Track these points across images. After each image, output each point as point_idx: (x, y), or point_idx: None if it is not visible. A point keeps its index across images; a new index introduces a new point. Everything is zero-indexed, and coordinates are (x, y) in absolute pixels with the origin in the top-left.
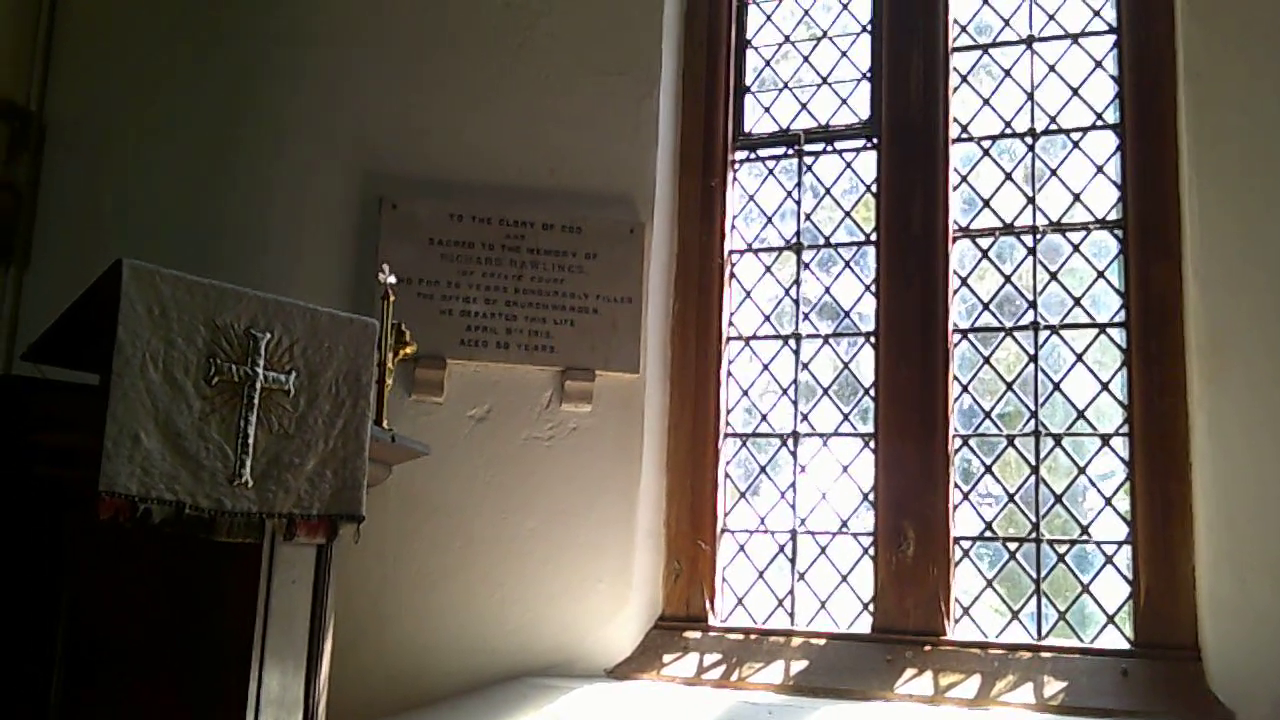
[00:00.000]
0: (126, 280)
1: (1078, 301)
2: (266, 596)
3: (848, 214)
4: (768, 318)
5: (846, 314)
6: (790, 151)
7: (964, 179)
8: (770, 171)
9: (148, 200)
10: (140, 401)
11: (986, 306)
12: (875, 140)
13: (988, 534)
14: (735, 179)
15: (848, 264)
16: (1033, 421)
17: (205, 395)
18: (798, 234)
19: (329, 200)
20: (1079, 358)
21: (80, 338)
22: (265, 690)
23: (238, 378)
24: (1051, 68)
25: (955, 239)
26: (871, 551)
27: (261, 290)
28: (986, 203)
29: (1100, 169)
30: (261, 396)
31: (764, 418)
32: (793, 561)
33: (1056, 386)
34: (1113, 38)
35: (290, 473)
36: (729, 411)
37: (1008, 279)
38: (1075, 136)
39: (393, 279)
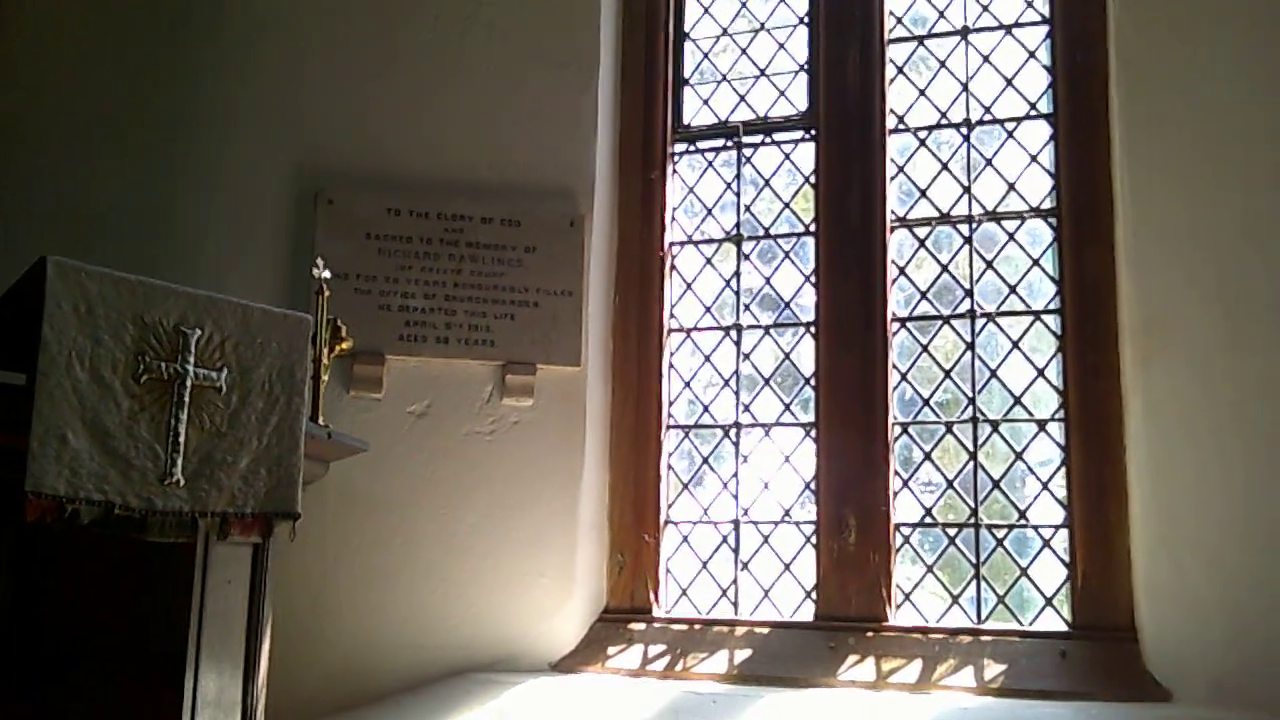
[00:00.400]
0: (51, 277)
1: (1013, 289)
2: (201, 597)
3: (787, 205)
4: (708, 309)
5: (787, 305)
6: (729, 143)
7: (901, 169)
8: (710, 164)
9: (83, 196)
10: (67, 401)
11: (924, 295)
12: (813, 132)
13: (928, 520)
14: (675, 171)
15: (787, 255)
16: (971, 408)
17: (134, 394)
18: (737, 226)
19: (265, 195)
20: (1015, 345)
21: (4, 337)
22: (201, 692)
23: (167, 375)
24: (986, 58)
25: (893, 229)
26: (814, 540)
27: (197, 287)
28: (923, 193)
29: (1034, 158)
30: (192, 394)
31: (706, 409)
32: (736, 551)
33: (993, 374)
34: (1046, 28)
35: (223, 471)
36: (671, 403)
37: (945, 268)
38: (1010, 126)
39: (327, 274)
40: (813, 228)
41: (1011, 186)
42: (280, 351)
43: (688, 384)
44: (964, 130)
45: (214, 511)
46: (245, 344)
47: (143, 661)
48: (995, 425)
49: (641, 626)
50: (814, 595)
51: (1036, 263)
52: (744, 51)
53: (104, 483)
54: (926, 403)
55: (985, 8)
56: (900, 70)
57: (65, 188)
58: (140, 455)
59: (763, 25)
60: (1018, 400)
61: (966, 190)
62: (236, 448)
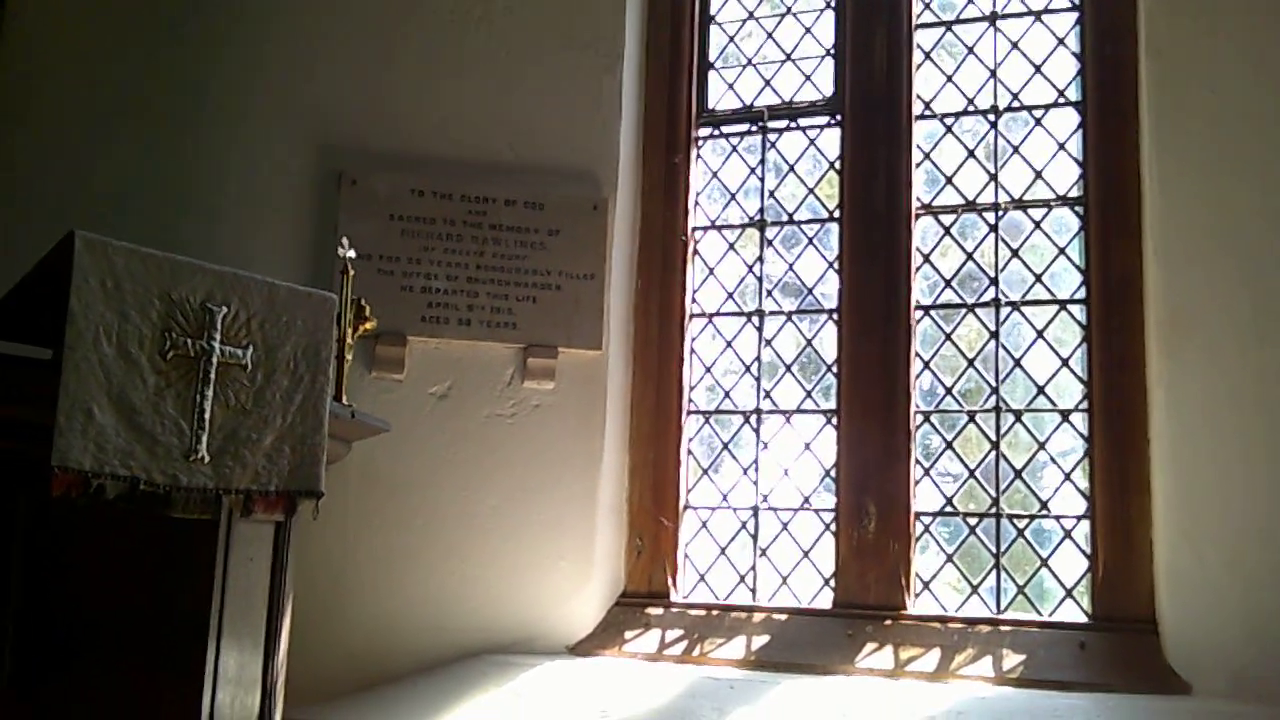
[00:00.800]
0: (79, 252)
1: (1039, 278)
2: (224, 574)
3: (811, 191)
4: (731, 295)
5: (809, 291)
6: (754, 128)
7: (927, 156)
8: (734, 148)
9: (105, 176)
10: (93, 375)
11: (949, 283)
12: (839, 117)
13: (948, 509)
14: (699, 155)
15: (811, 241)
16: (993, 398)
17: (160, 370)
18: (761, 211)
19: (288, 175)
20: (1039, 334)
21: (32, 311)
22: (223, 668)
23: (193, 352)
24: (1014, 45)
25: (918, 216)
26: (833, 527)
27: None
28: (949, 180)
29: (1062, 146)
30: (218, 371)
31: (726, 394)
32: (755, 538)
33: (1017, 363)
34: (1075, 15)
35: (248, 448)
36: (691, 388)
37: (970, 256)
38: (1037, 114)
39: (352, 253)
40: (837, 214)
41: (1039, 175)
42: (305, 330)
43: (709, 369)
44: (991, 117)
45: (238, 489)
46: (271, 322)
47: (164, 638)
48: (1018, 415)
49: (659, 611)
50: (833, 583)
51: (1063, 251)
52: (770, 35)
53: (129, 458)
54: (949, 391)
55: None
56: (927, 56)
57: (86, 168)
58: (166, 431)
59: (789, 9)
60: (1041, 390)
61: (993, 178)
62: (261, 425)
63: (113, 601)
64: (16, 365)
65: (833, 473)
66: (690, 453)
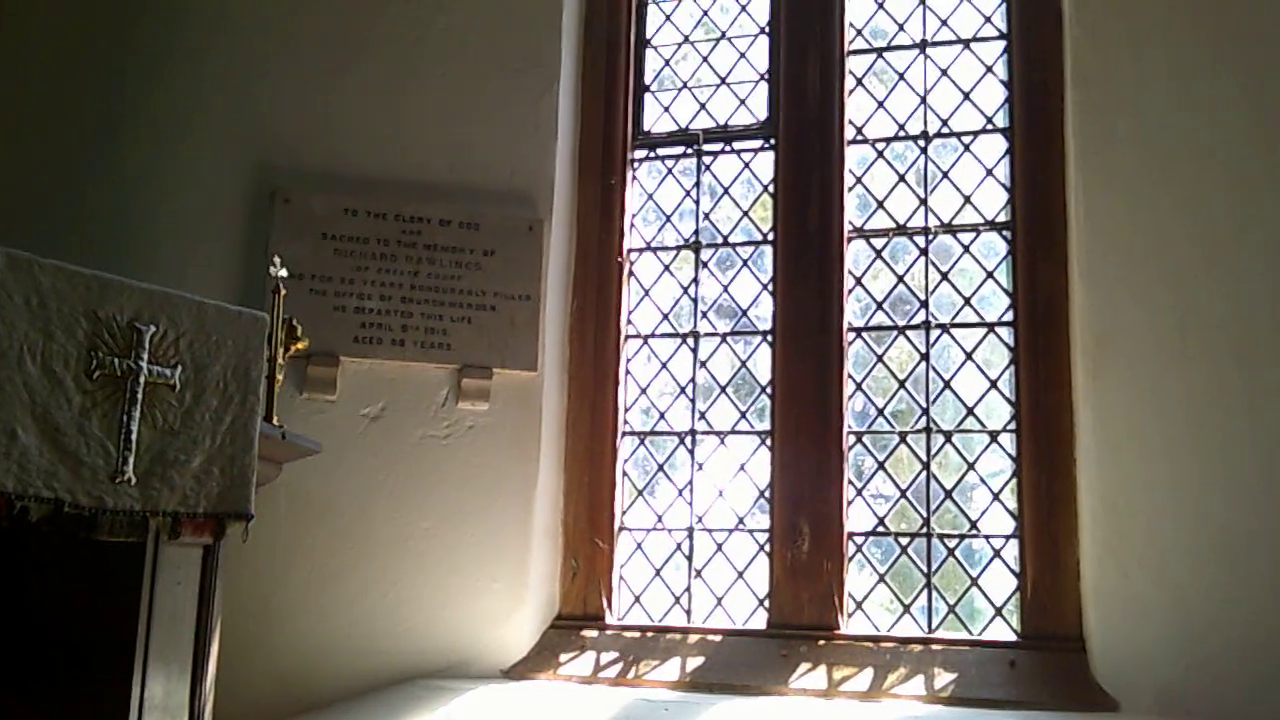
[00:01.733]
0: (3, 269)
1: (968, 301)
2: (150, 598)
3: (746, 214)
4: (666, 316)
5: (744, 313)
6: (689, 151)
7: (859, 180)
8: (669, 171)
9: (39, 192)
10: (17, 396)
11: (880, 306)
12: (773, 141)
13: (880, 529)
14: (634, 178)
15: (745, 263)
16: (924, 419)
17: (86, 389)
18: (696, 233)
19: (221, 193)
20: (969, 356)
21: None
22: (149, 695)
23: (120, 371)
24: (944, 72)
25: (850, 239)
26: (767, 548)
27: (151, 284)
28: (880, 204)
29: (990, 171)
30: (145, 391)
31: (662, 416)
32: (690, 559)
33: (947, 384)
34: (1003, 43)
35: (175, 470)
36: (627, 410)
37: (900, 279)
38: (966, 139)
39: (284, 272)
40: (771, 236)
41: (967, 200)
42: (235, 350)
43: (644, 391)
44: (921, 142)
45: (165, 511)
46: (200, 341)
47: (90, 663)
48: (948, 436)
49: (594, 633)
50: (767, 603)
51: (991, 275)
52: (705, 60)
53: (54, 480)
54: (881, 412)
55: (944, 22)
56: (859, 82)
57: (16, 184)
58: (91, 452)
59: (724, 34)
60: (970, 411)
61: (923, 202)
62: (190, 446)
63: (37, 626)
64: None
65: (767, 493)
66: (625, 474)
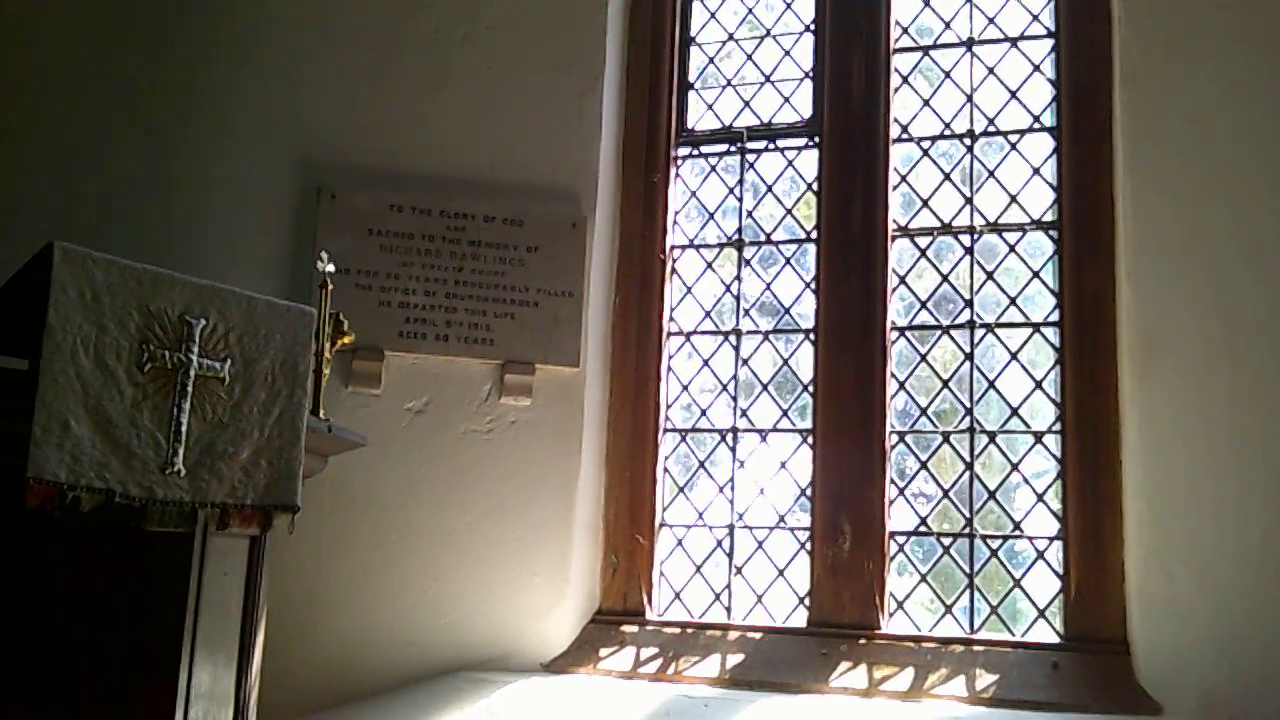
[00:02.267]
0: (58, 263)
1: (1013, 301)
2: (198, 588)
3: (789, 211)
4: (708, 314)
5: (786, 311)
6: (733, 149)
7: (904, 179)
8: (713, 168)
9: (83, 190)
10: (70, 387)
11: (924, 305)
12: (817, 139)
13: (922, 529)
14: (678, 175)
15: (788, 261)
16: (968, 419)
17: (137, 382)
18: (739, 230)
19: (268, 190)
20: (1014, 356)
21: (9, 322)
22: (196, 683)
23: (171, 364)
24: (990, 70)
25: (894, 238)
26: (808, 546)
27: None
28: (925, 203)
29: (1037, 171)
30: (195, 384)
31: (703, 413)
32: (730, 556)
33: (991, 384)
34: (1051, 42)
35: (224, 462)
36: (668, 406)
37: (945, 278)
38: (1013, 138)
39: (331, 267)
40: (814, 234)
41: (1013, 199)
42: (283, 344)
43: (685, 387)
44: (967, 141)
45: (214, 502)
46: (249, 335)
47: (138, 651)
48: (992, 436)
49: (634, 629)
50: (807, 601)
51: (1037, 275)
52: (749, 57)
53: (105, 470)
54: (924, 412)
55: (991, 20)
56: (905, 80)
57: (66, 182)
58: (142, 444)
59: (768, 32)
60: (1015, 412)
61: (968, 201)
62: (238, 439)
63: (88, 614)
64: None
65: (808, 491)
66: (666, 471)
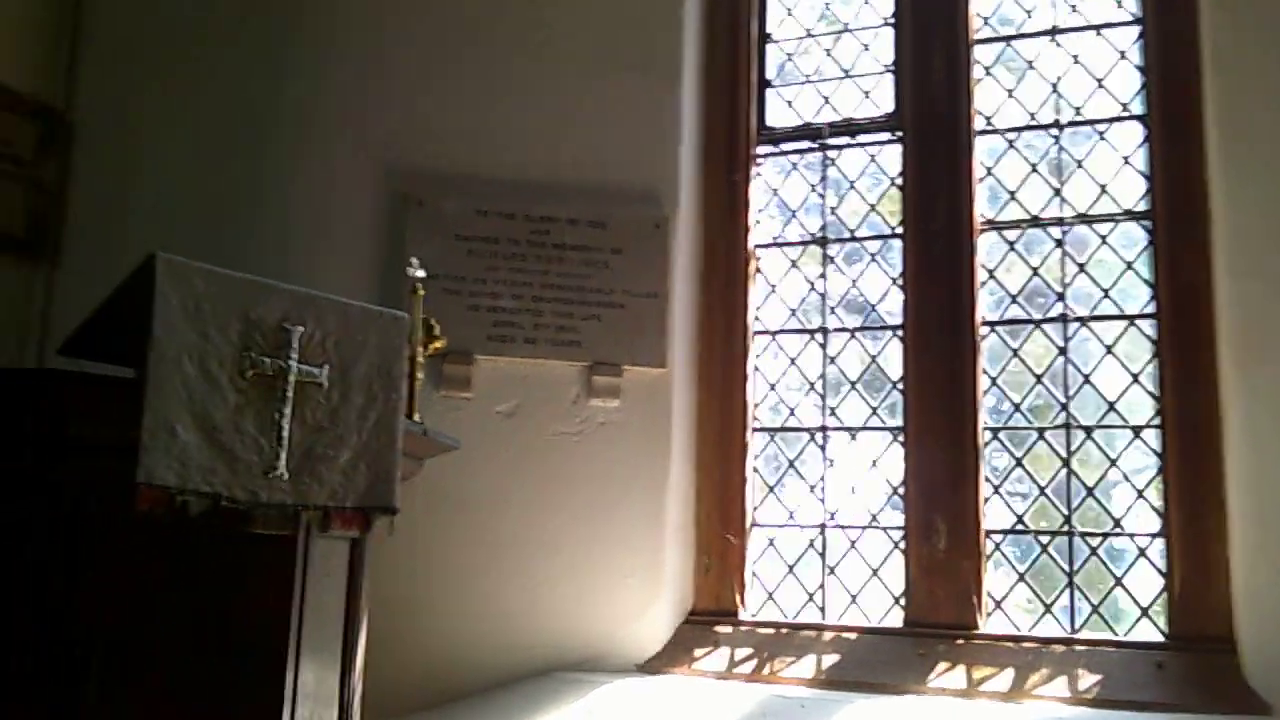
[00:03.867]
0: (160, 275)
1: (1106, 293)
2: (302, 590)
3: (873, 208)
4: (794, 312)
5: (873, 308)
6: (814, 145)
7: (989, 171)
8: (794, 165)
9: (174, 198)
10: (176, 395)
11: (1014, 299)
12: (899, 133)
13: (1019, 527)
14: (759, 173)
15: (874, 258)
16: (1063, 414)
17: (240, 388)
18: (823, 228)
19: (354, 197)
20: (1109, 350)
21: (114, 332)
22: (301, 684)
23: (272, 371)
24: (1075, 59)
25: (982, 231)
26: (902, 545)
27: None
28: (1013, 195)
29: (1127, 160)
30: (295, 389)
31: (791, 412)
32: (823, 555)
33: (1086, 379)
34: (1137, 28)
35: (324, 465)
36: (756, 406)
37: (1035, 271)
38: (1101, 128)
39: (421, 273)
40: (899, 230)
41: (1104, 189)
42: (379, 349)
43: (773, 387)
44: (1054, 132)
45: (316, 505)
46: (346, 341)
47: (244, 653)
48: (1089, 431)
49: (728, 629)
50: (902, 601)
51: (1130, 266)
52: (828, 53)
53: (212, 475)
54: (1018, 408)
55: (1074, 7)
56: (988, 71)
57: (157, 193)
58: (246, 449)
59: (846, 26)
60: (1112, 406)
61: (1057, 192)
62: (337, 443)
63: (191, 619)
64: (99, 385)
65: (900, 490)
66: (756, 470)
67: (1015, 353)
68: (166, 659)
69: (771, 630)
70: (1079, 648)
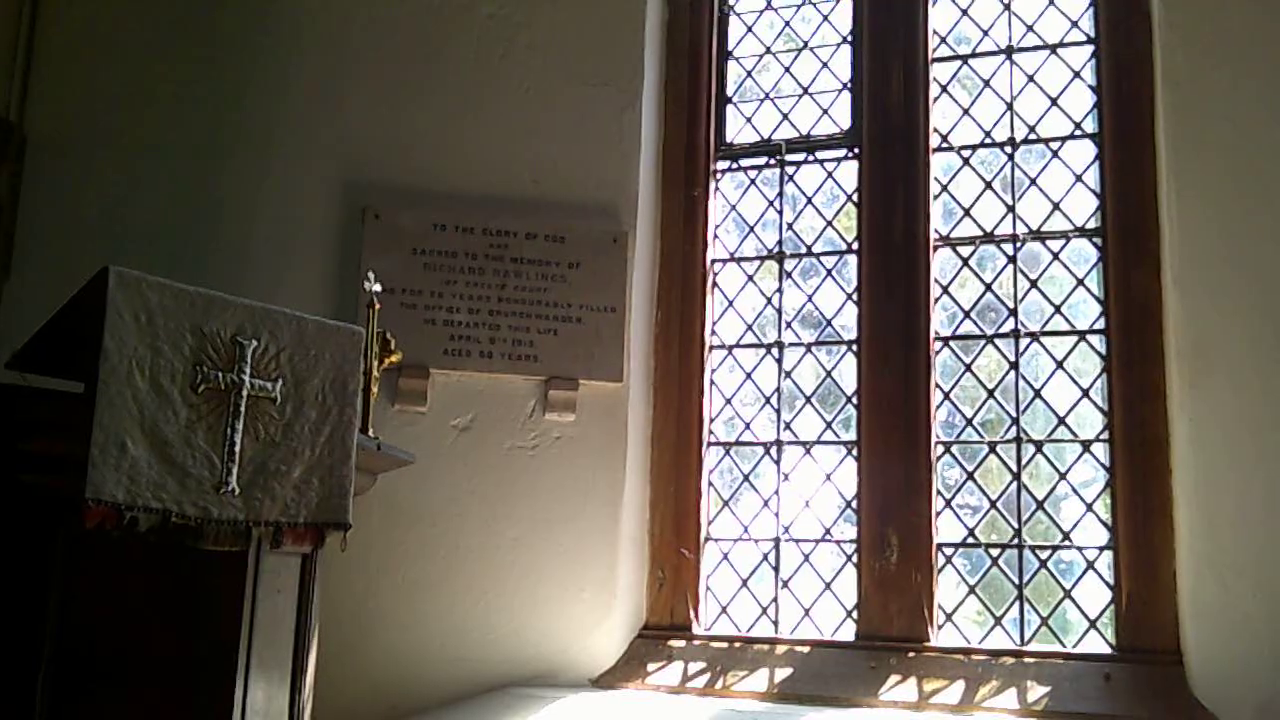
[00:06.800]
0: (113, 287)
1: (1058, 309)
2: (253, 606)
3: (829, 223)
4: (750, 327)
5: (829, 322)
6: (772, 161)
7: (944, 188)
8: (752, 181)
9: (130, 210)
10: (127, 409)
11: (967, 315)
12: (856, 150)
13: (970, 541)
14: (717, 189)
15: (829, 273)
16: (1014, 428)
17: (192, 403)
18: (779, 243)
19: (312, 210)
20: (1059, 365)
21: (65, 345)
22: (251, 700)
23: (224, 385)
24: (1030, 78)
25: (936, 248)
26: (855, 559)
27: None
28: (967, 211)
29: (1079, 178)
30: (248, 404)
31: (747, 426)
32: (776, 569)
33: (1037, 393)
34: (1091, 48)
35: (277, 481)
36: (712, 420)
37: (988, 287)
38: (1054, 145)
39: (378, 287)
40: (855, 246)
41: (1056, 206)
42: (333, 363)
43: (729, 401)
44: (1008, 149)
45: (268, 521)
46: (300, 355)
47: (194, 669)
48: (1039, 446)
49: (681, 643)
50: (855, 614)
51: (1081, 282)
52: (787, 70)
53: (162, 491)
54: (970, 422)
55: (1029, 27)
56: (944, 89)
57: (112, 205)
58: (197, 464)
59: (805, 44)
60: (1062, 420)
61: (1010, 209)
62: (290, 458)
63: (144, 634)
64: (50, 399)
65: (854, 504)
66: (710, 484)
67: (968, 367)
68: (120, 674)
69: (725, 644)
70: (1028, 660)
